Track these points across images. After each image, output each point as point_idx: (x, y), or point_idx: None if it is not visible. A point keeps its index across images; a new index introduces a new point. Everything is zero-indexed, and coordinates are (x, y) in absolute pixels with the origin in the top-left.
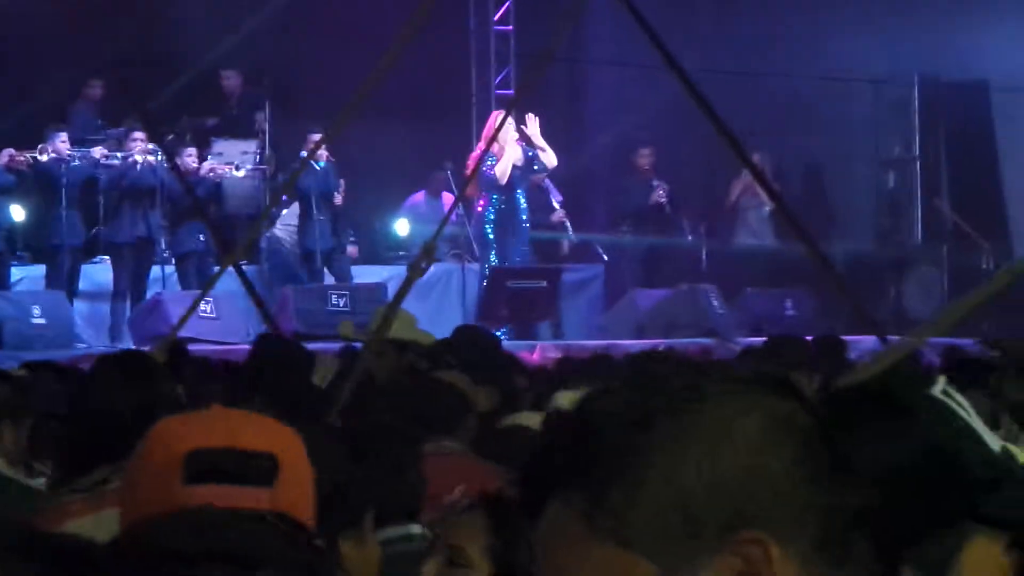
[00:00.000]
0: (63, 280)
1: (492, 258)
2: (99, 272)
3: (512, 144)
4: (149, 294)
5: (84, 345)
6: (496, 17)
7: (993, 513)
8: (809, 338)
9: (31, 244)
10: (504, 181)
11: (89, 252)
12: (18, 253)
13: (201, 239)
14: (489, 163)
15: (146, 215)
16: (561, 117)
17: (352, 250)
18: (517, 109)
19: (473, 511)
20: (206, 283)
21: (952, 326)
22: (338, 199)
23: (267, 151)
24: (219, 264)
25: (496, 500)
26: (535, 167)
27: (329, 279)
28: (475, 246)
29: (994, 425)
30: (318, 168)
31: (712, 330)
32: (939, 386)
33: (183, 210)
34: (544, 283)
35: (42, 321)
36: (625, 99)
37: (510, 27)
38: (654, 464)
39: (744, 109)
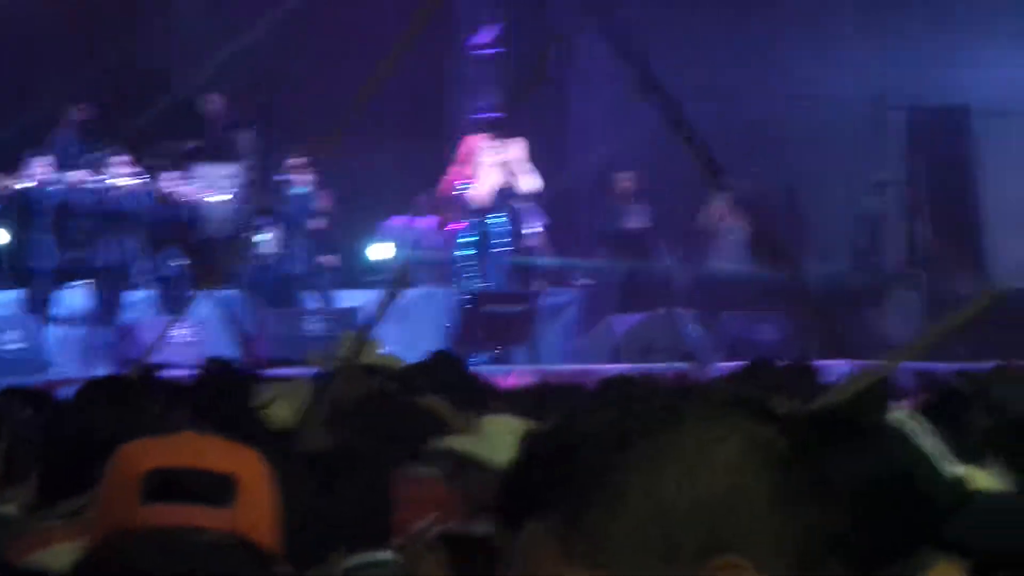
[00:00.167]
0: (38, 304)
1: (469, 282)
2: (75, 297)
3: (491, 169)
4: (126, 319)
5: (59, 370)
6: (478, 41)
7: (954, 540)
8: (784, 362)
9: (13, 267)
10: (481, 205)
11: (66, 277)
12: None
13: (179, 264)
14: (465, 187)
15: (124, 240)
16: (544, 141)
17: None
18: (500, 134)
19: (438, 543)
20: (182, 308)
21: (927, 350)
22: (322, 223)
23: (248, 175)
24: (198, 289)
25: (458, 537)
26: (515, 192)
27: (316, 302)
28: (452, 270)
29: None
30: (299, 192)
31: (688, 354)
32: (903, 412)
33: (162, 234)
34: (521, 307)
35: (17, 346)
36: (608, 123)
37: (492, 51)
38: (631, 486)
39: (724, 132)
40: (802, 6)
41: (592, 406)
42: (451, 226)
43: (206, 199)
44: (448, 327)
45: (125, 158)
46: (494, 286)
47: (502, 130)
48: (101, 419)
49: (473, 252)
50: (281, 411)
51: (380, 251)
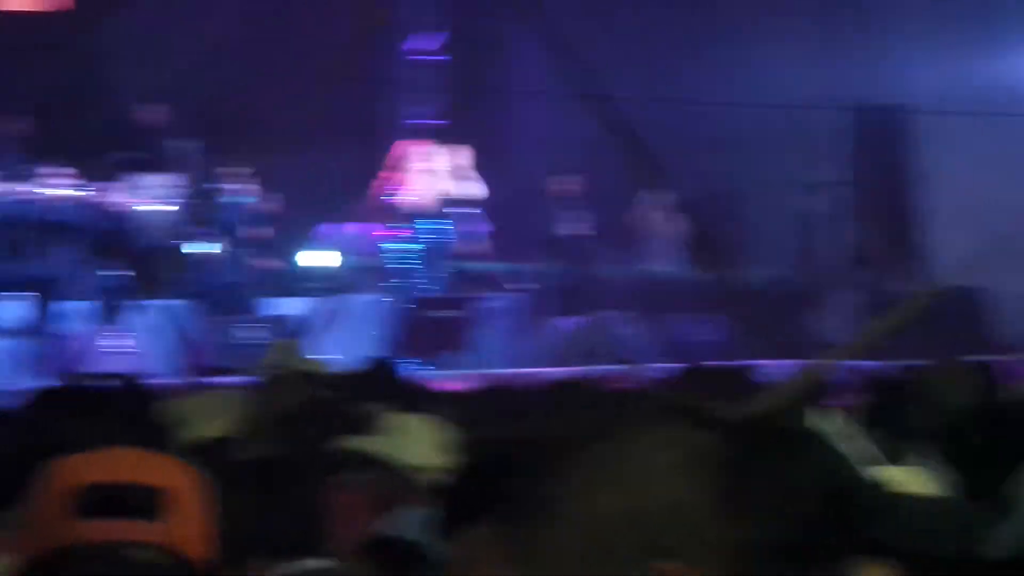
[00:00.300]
0: None
1: (409, 288)
2: (12, 309)
3: (428, 174)
4: (65, 330)
5: None
6: (421, 47)
7: (882, 543)
8: (723, 364)
9: None
10: (422, 211)
11: (4, 288)
12: None
13: (120, 274)
14: (399, 194)
15: (63, 251)
16: (485, 146)
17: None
18: (443, 139)
19: (367, 552)
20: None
21: (866, 349)
22: (262, 230)
23: (190, 185)
24: (138, 299)
25: (386, 545)
26: (456, 198)
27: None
28: (392, 276)
29: (903, 451)
30: (238, 202)
31: (626, 358)
32: (830, 415)
33: (102, 245)
34: (462, 312)
35: None
36: (549, 128)
37: (435, 58)
38: (571, 494)
39: (666, 134)
40: (744, 7)
41: (533, 413)
42: (387, 232)
43: (147, 209)
44: (387, 333)
45: (65, 169)
46: (434, 292)
47: (442, 136)
48: (35, 431)
49: (413, 258)
50: (204, 424)
51: (314, 258)
